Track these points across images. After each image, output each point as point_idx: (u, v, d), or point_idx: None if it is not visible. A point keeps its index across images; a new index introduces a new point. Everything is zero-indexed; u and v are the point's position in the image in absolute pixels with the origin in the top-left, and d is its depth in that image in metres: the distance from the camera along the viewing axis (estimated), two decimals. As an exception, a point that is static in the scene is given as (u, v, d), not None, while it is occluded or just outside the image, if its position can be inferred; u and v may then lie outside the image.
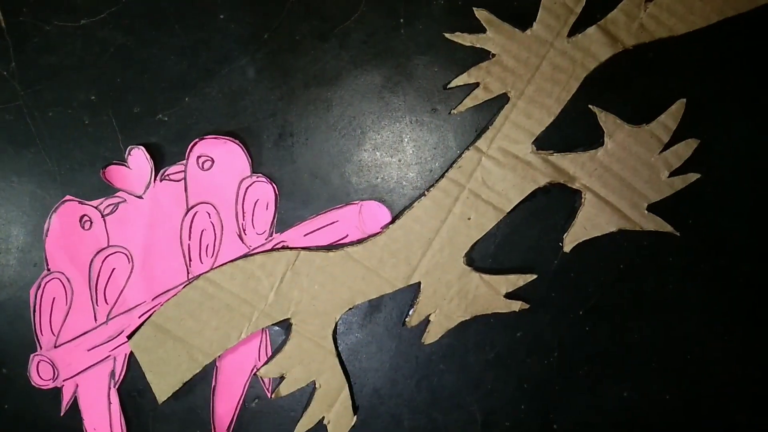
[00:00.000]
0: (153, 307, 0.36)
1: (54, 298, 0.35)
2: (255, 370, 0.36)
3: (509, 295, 0.36)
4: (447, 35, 0.34)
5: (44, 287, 0.35)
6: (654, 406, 0.37)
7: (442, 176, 0.35)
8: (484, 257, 0.36)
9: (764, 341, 0.37)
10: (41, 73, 0.34)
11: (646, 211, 0.35)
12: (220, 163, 0.35)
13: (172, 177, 0.35)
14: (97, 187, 0.35)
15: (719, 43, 0.35)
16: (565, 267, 0.36)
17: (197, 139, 0.34)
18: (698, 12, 0.34)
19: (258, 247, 0.36)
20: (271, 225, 0.35)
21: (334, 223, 0.35)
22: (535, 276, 0.36)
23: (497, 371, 0.37)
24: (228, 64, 0.35)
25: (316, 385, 0.36)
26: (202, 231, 0.35)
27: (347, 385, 0.36)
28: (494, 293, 0.36)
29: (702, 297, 0.37)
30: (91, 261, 0.35)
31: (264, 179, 0.35)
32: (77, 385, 0.36)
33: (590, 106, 0.35)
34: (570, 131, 0.35)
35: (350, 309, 0.36)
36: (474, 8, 0.34)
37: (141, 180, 0.35)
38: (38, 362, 0.35)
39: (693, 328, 0.37)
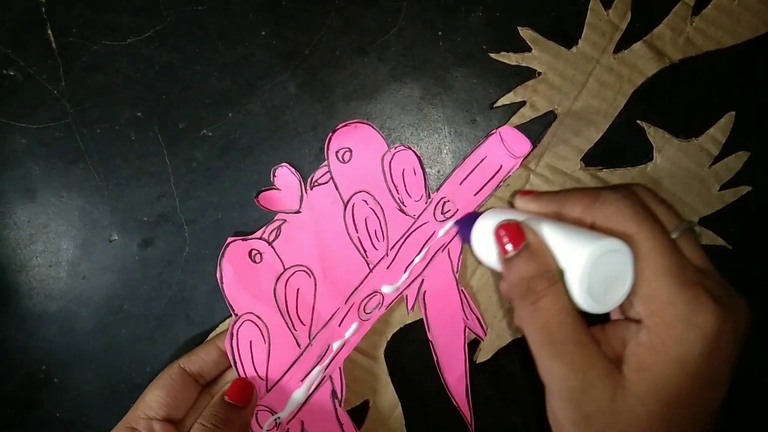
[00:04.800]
0: (348, 310, 0.36)
1: (251, 341, 0.35)
2: (467, 329, 0.36)
3: None
4: (492, 55, 0.35)
5: (237, 334, 0.35)
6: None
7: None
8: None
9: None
10: (89, 91, 0.35)
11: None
12: (358, 149, 0.35)
13: (320, 181, 0.35)
14: (143, 201, 0.36)
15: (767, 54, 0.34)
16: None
17: (330, 134, 0.35)
18: (745, 24, 0.34)
19: (422, 212, 0.36)
20: (426, 187, 0.36)
21: (483, 160, 0.35)
22: None
23: (538, 381, 0.37)
24: (270, 79, 0.35)
25: (369, 404, 0.36)
26: (366, 219, 0.35)
27: (399, 404, 0.37)
28: None
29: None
30: (275, 290, 0.35)
31: (402, 147, 0.35)
32: (302, 422, 0.35)
33: (638, 121, 0.35)
34: (618, 147, 0.35)
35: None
36: (519, 28, 0.34)
37: (293, 196, 0.36)
38: (256, 413, 0.35)
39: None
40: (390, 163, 0.35)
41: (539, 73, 0.35)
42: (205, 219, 0.36)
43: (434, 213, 0.36)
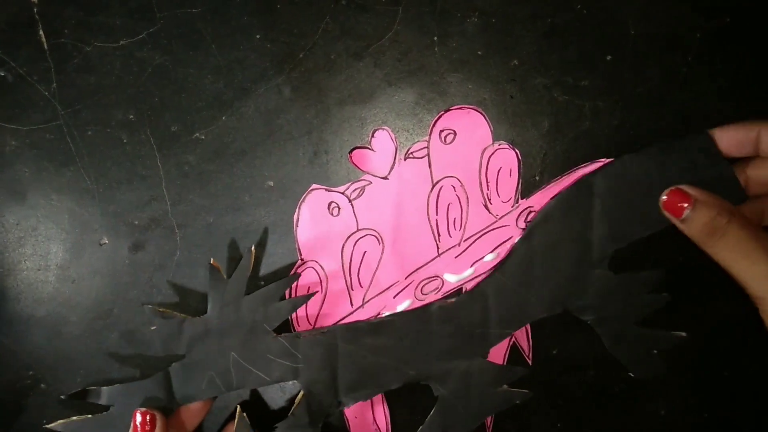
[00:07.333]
0: (406, 286, 0.36)
1: (309, 287, 0.36)
2: (512, 339, 0.37)
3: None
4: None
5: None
6: (691, 424, 0.37)
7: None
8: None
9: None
10: (81, 93, 0.35)
11: None
12: (462, 134, 0.35)
13: (415, 155, 0.36)
14: (134, 204, 0.35)
15: None
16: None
17: (442, 112, 0.35)
18: None
19: (505, 215, 0.36)
20: (516, 191, 0.36)
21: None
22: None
23: (532, 388, 0.36)
24: (264, 83, 0.35)
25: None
26: (449, 205, 0.36)
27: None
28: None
29: (738, 313, 0.36)
30: (343, 246, 0.36)
31: (506, 146, 0.35)
32: None
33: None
34: None
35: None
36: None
37: (385, 161, 0.36)
38: None
39: (730, 345, 0.37)
40: (490, 157, 0.35)
41: None
42: (196, 223, 0.36)
43: (517, 219, 0.36)
